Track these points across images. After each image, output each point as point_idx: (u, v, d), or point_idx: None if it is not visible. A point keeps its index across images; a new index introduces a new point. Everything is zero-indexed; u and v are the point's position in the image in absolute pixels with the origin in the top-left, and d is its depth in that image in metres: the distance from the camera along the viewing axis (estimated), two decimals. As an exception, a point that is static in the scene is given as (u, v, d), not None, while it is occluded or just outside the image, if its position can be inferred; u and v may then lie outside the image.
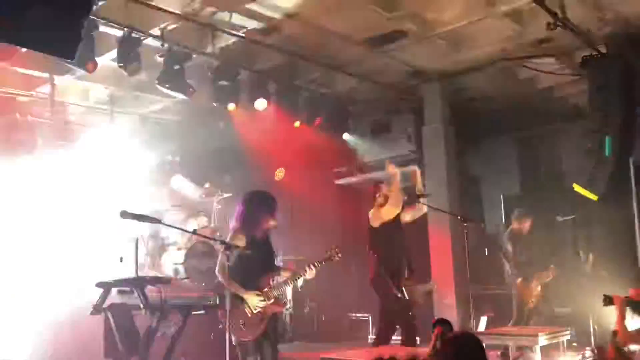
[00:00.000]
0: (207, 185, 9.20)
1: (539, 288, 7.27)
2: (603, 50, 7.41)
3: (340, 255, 5.01)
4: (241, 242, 4.74)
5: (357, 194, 10.92)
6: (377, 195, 5.93)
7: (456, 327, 8.01)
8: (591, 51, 7.34)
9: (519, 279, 7.23)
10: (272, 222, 5.00)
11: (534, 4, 6.54)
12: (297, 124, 8.73)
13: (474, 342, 2.85)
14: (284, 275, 5.07)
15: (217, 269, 4.72)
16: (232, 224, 4.98)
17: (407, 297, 5.50)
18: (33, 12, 2.93)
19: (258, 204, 4.98)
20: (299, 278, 4.98)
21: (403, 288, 5.52)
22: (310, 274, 4.94)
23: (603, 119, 7.10)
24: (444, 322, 3.41)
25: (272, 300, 4.77)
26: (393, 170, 5.89)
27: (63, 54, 3.22)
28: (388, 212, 5.80)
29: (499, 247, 7.65)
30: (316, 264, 4.96)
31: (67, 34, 3.09)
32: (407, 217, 6.06)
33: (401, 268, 5.73)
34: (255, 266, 4.75)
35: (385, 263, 5.68)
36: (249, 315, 4.62)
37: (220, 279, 4.71)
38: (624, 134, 7.12)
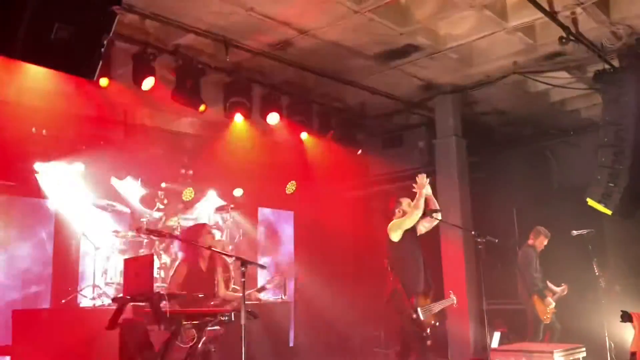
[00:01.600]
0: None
1: (553, 304, 7.21)
2: (616, 64, 7.41)
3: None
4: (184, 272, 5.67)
5: (369, 208, 10.93)
6: (397, 209, 5.80)
7: (470, 343, 8.01)
8: (604, 65, 7.35)
9: (535, 295, 7.17)
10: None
11: (546, 19, 6.57)
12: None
13: None
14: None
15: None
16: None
17: (422, 318, 5.39)
18: (56, 32, 2.99)
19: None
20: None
21: (419, 308, 5.43)
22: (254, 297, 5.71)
23: (616, 133, 7.08)
24: None
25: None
26: (422, 182, 5.65)
27: (84, 73, 3.27)
28: (399, 225, 5.59)
29: (517, 263, 7.58)
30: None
31: (88, 53, 3.15)
32: (422, 229, 5.95)
33: (420, 285, 5.57)
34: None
35: (403, 280, 5.55)
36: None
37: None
38: (638, 148, 7.09)
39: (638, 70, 7.25)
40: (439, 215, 5.94)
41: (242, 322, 4.26)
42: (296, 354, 9.07)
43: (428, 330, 5.46)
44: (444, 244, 8.44)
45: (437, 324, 5.55)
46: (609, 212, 7.05)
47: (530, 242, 7.51)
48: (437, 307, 5.57)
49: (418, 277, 5.60)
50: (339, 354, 9.31)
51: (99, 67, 3.28)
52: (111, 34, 3.24)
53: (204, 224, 6.85)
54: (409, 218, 5.60)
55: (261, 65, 7.87)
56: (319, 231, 10.31)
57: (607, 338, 6.41)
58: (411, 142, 10.13)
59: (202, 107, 7.29)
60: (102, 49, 3.30)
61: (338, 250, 10.28)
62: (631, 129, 7.01)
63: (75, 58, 3.15)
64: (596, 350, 6.48)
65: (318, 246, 10.24)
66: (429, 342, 5.48)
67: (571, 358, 5.94)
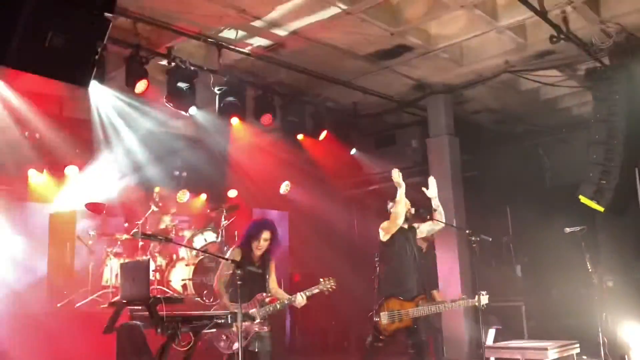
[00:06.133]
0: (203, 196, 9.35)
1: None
2: (606, 62, 7.47)
3: (334, 287, 5.23)
4: (237, 257, 5.18)
5: (364, 207, 10.96)
6: (390, 207, 5.67)
7: (465, 340, 8.04)
8: (594, 63, 7.41)
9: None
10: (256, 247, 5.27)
11: (536, 17, 6.62)
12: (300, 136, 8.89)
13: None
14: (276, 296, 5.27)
15: (215, 278, 5.31)
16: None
17: (383, 321, 5.30)
18: (50, 40, 3.00)
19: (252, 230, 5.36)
20: (288, 302, 5.19)
21: (383, 312, 5.32)
22: (299, 301, 5.15)
23: (607, 130, 7.14)
24: None
25: (257, 320, 5.04)
26: (397, 179, 5.65)
27: (79, 80, 3.28)
28: (387, 225, 5.58)
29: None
30: (307, 293, 5.16)
31: (82, 60, 3.16)
32: (422, 233, 5.84)
33: (399, 289, 5.44)
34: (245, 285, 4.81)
35: (380, 280, 5.52)
36: (234, 329, 4.68)
37: (215, 287, 5.33)
38: (629, 145, 7.15)
39: (628, 68, 7.32)
40: (442, 218, 5.81)
41: (239, 323, 4.31)
42: (292, 352, 9.10)
43: (383, 336, 5.39)
44: (438, 242, 8.47)
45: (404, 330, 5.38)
46: (601, 209, 7.10)
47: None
48: (416, 312, 5.36)
49: (399, 281, 5.50)
50: (334, 352, 9.34)
51: (93, 74, 3.28)
52: (105, 41, 3.25)
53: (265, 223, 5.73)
54: (391, 220, 5.58)
55: (254, 67, 7.89)
56: (313, 231, 10.33)
57: (600, 334, 6.47)
58: (404, 141, 10.17)
59: (193, 110, 7.31)
60: (96, 56, 3.31)
61: (333, 250, 10.31)
62: (621, 126, 7.07)
63: (70, 65, 3.16)
64: (590, 346, 6.54)
65: (313, 246, 10.26)
66: (379, 344, 5.45)
67: (565, 354, 6.00)
